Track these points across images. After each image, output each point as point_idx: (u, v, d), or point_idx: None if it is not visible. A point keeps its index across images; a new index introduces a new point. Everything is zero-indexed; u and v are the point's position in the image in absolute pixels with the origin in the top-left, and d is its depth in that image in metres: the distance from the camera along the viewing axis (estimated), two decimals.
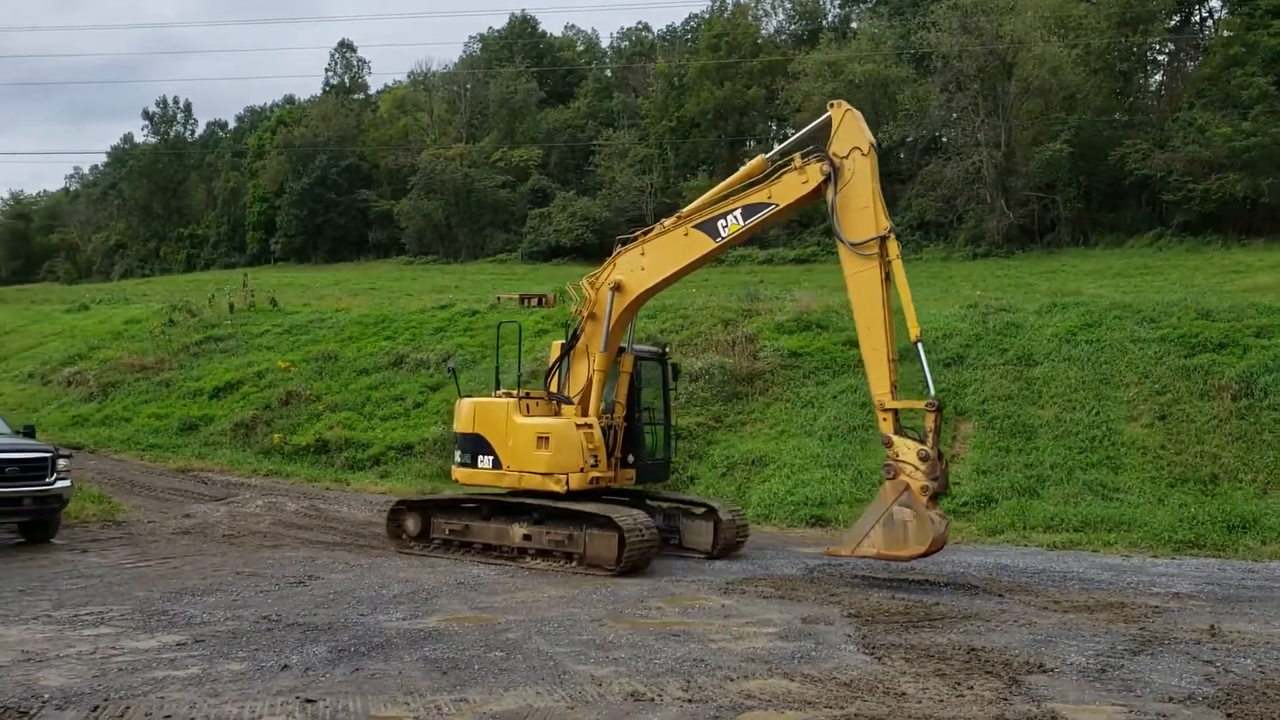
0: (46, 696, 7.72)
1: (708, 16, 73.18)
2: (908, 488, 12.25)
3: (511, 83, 75.07)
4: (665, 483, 16.93)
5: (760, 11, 71.97)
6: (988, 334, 23.46)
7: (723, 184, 14.62)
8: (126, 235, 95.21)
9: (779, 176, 13.57)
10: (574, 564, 13.65)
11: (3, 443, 15.27)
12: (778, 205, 13.61)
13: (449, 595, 11.91)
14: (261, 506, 19.20)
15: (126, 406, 28.91)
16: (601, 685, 8.20)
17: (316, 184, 76.45)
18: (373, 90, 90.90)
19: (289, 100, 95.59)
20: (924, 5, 55.38)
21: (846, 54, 56.07)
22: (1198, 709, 7.77)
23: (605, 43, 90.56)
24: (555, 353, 15.39)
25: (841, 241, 13.13)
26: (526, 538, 14.15)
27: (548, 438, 14.02)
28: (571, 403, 14.59)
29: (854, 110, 13.33)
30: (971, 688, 8.21)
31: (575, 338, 14.89)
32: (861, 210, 12.92)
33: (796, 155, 13.49)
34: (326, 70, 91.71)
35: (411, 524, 15.26)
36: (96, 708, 7.51)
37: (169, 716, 7.35)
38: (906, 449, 12.33)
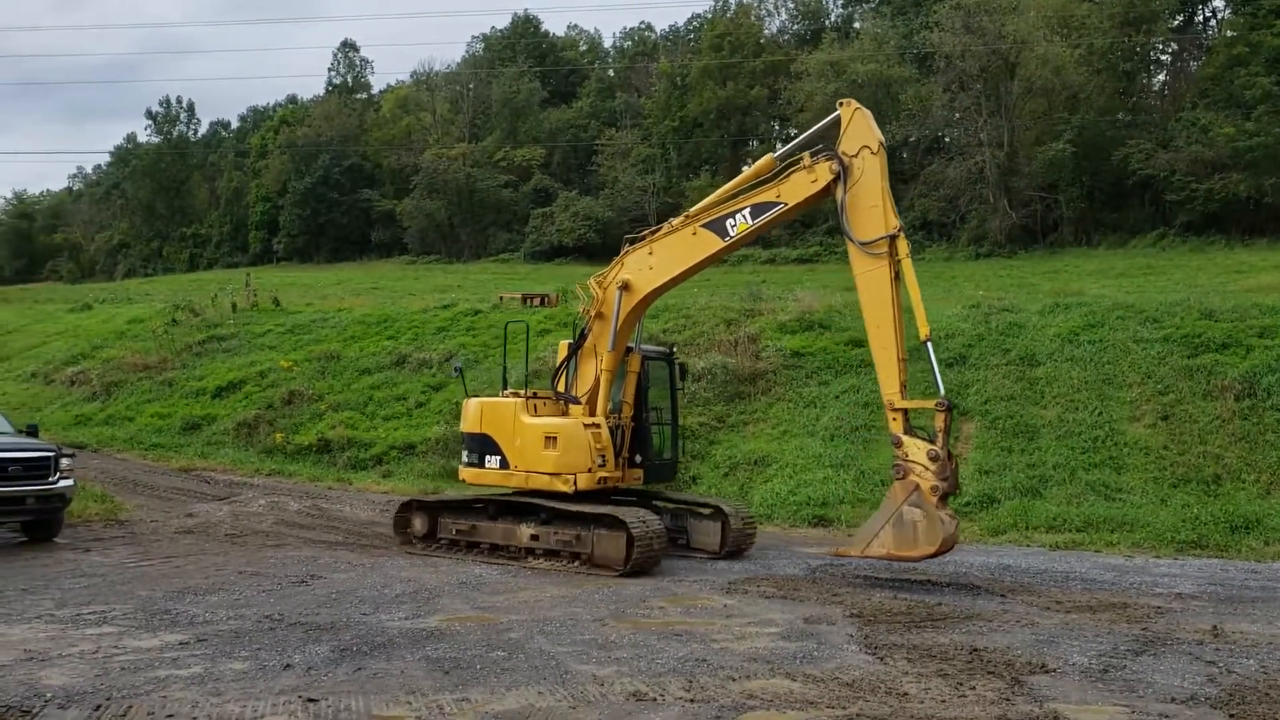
0: (49, 695, 7.73)
1: (710, 16, 73.14)
2: (917, 488, 12.18)
3: (514, 82, 75.10)
4: (671, 483, 16.89)
5: (763, 11, 71.99)
6: (990, 334, 23.45)
7: (731, 183, 14.58)
8: (129, 235, 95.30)
9: (788, 175, 13.52)
10: (581, 565, 13.60)
11: (6, 442, 15.29)
12: (787, 204, 13.57)
13: (451, 595, 11.91)
14: (264, 506, 19.21)
15: (129, 406, 28.95)
16: (603, 685, 8.20)
17: (319, 184, 76.51)
18: (375, 90, 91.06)
19: (292, 100, 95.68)
20: (927, 5, 55.33)
21: (849, 54, 56.02)
22: (1200, 709, 7.77)
23: (608, 42, 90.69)
24: (562, 352, 15.34)
25: (851, 240, 13.08)
26: (534, 538, 14.12)
27: (555, 438, 13.96)
28: (579, 402, 14.55)
29: (863, 109, 13.28)
30: (974, 688, 8.21)
31: (583, 337, 14.84)
32: (871, 209, 12.88)
33: (805, 154, 13.44)
34: (329, 70, 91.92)
35: (419, 524, 15.23)
36: (99, 707, 7.52)
37: (171, 716, 7.36)
38: (916, 449, 12.27)
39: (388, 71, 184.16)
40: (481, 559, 14.36)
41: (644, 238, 14.64)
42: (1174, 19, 54.11)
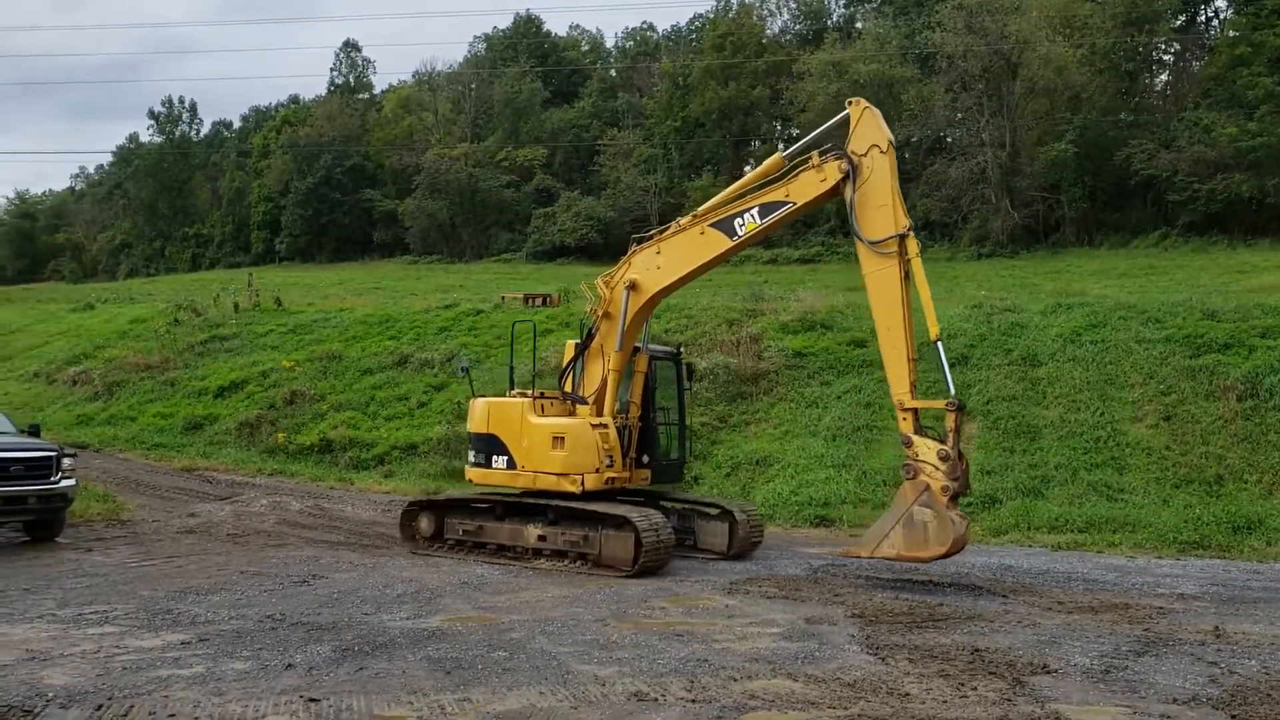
0: (51, 695, 7.74)
1: (712, 16, 73.13)
2: (928, 488, 12.12)
3: (516, 82, 75.13)
4: (678, 483, 16.84)
5: (765, 11, 72.00)
6: (992, 334, 23.44)
7: (739, 182, 14.54)
8: (132, 235, 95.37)
9: (796, 174, 13.47)
10: (589, 565, 13.55)
11: (8, 442, 15.30)
12: (795, 203, 13.51)
13: (453, 595, 11.91)
14: (266, 506, 19.23)
15: (131, 406, 28.98)
16: (605, 685, 8.20)
17: (321, 183, 76.55)
18: (377, 90, 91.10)
19: (294, 100, 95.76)
20: (929, 5, 55.31)
21: (851, 54, 56.02)
22: (1202, 710, 7.76)
23: (610, 42, 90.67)
24: (569, 352, 15.28)
25: (860, 240, 13.03)
26: (541, 538, 14.07)
27: (563, 438, 13.92)
28: (586, 402, 14.49)
29: (872, 108, 13.25)
30: (975, 688, 8.20)
31: (590, 337, 14.78)
32: (880, 208, 12.84)
33: (814, 153, 13.39)
34: (331, 70, 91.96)
35: (425, 524, 15.20)
36: (101, 706, 7.52)
37: (173, 715, 7.37)
38: (926, 449, 12.22)
39: (390, 71, 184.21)
40: (488, 559, 14.32)
41: (651, 237, 14.58)
42: (1176, 19, 54.09)
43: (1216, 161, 42.44)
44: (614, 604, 11.48)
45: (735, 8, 71.46)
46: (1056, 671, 8.76)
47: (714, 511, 15.19)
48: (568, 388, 14.93)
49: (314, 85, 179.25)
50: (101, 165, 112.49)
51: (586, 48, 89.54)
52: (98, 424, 28.10)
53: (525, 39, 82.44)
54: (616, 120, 73.63)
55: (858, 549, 12.86)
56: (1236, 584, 13.01)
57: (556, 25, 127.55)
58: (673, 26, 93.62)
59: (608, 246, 58.72)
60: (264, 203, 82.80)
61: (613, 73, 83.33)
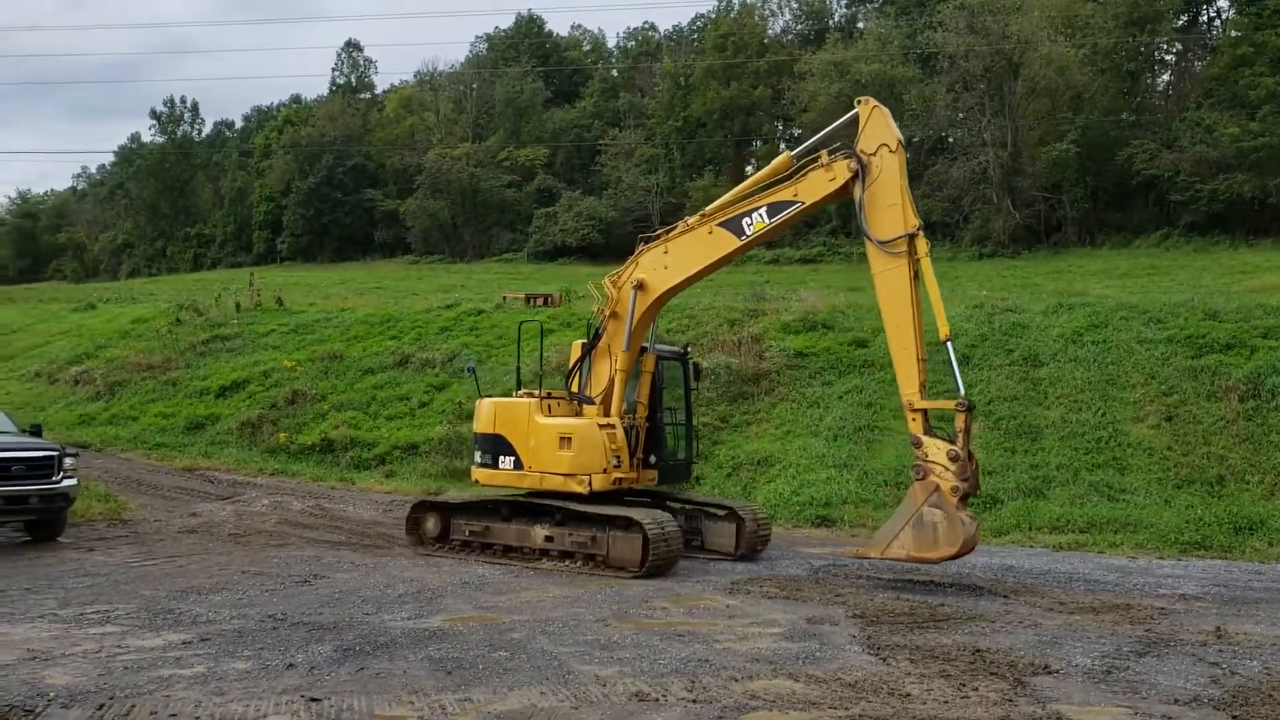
0: (52, 695, 7.74)
1: (714, 16, 73.15)
2: (938, 488, 12.08)
3: (518, 82, 75.14)
4: (685, 484, 16.79)
5: (766, 11, 72.01)
6: (994, 334, 23.43)
7: (747, 182, 14.48)
8: (133, 234, 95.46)
9: (805, 174, 13.42)
10: (597, 567, 13.50)
11: (9, 441, 15.31)
12: (804, 203, 13.47)
13: (454, 595, 11.92)
14: (267, 505, 19.24)
15: (133, 405, 29.00)
16: (606, 685, 8.20)
17: (323, 183, 76.60)
18: (379, 90, 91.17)
19: (295, 100, 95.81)
20: (930, 5, 55.29)
21: (853, 54, 56.00)
22: (1203, 711, 7.76)
23: (611, 42, 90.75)
24: (576, 352, 15.23)
25: (869, 239, 12.99)
26: (548, 539, 14.01)
27: (570, 438, 13.85)
28: (593, 403, 14.44)
29: (882, 107, 13.20)
30: (976, 689, 8.20)
31: (597, 337, 14.72)
32: (890, 208, 12.81)
33: (823, 152, 13.35)
34: (333, 70, 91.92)
35: (431, 525, 15.15)
36: (102, 706, 7.53)
37: (174, 715, 7.37)
38: (936, 449, 12.18)
39: (391, 71, 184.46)
40: (494, 560, 14.27)
41: (659, 237, 14.54)
42: (1178, 19, 54.04)
43: (1218, 162, 42.41)
44: (615, 604, 11.48)
45: (737, 8, 71.47)
46: (1058, 672, 8.76)
47: (721, 512, 15.13)
48: (574, 388, 14.89)
49: (316, 85, 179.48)
50: (103, 165, 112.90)
51: (588, 47, 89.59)
52: (99, 424, 28.12)
53: (527, 39, 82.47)
54: (618, 120, 73.65)
55: (867, 550, 12.80)
56: (1238, 585, 13.01)
57: (558, 25, 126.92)
58: (674, 26, 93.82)
59: (609, 246, 58.77)
60: (266, 202, 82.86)
61: (614, 73, 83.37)
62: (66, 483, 15.20)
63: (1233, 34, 49.26)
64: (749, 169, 63.63)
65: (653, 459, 14.88)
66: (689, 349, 16.79)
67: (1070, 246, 45.82)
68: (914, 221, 12.73)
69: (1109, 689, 8.30)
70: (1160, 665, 9.01)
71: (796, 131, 61.35)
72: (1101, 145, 47.01)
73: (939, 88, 51.08)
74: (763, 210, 13.61)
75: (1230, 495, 17.01)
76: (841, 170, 13.08)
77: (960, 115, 51.92)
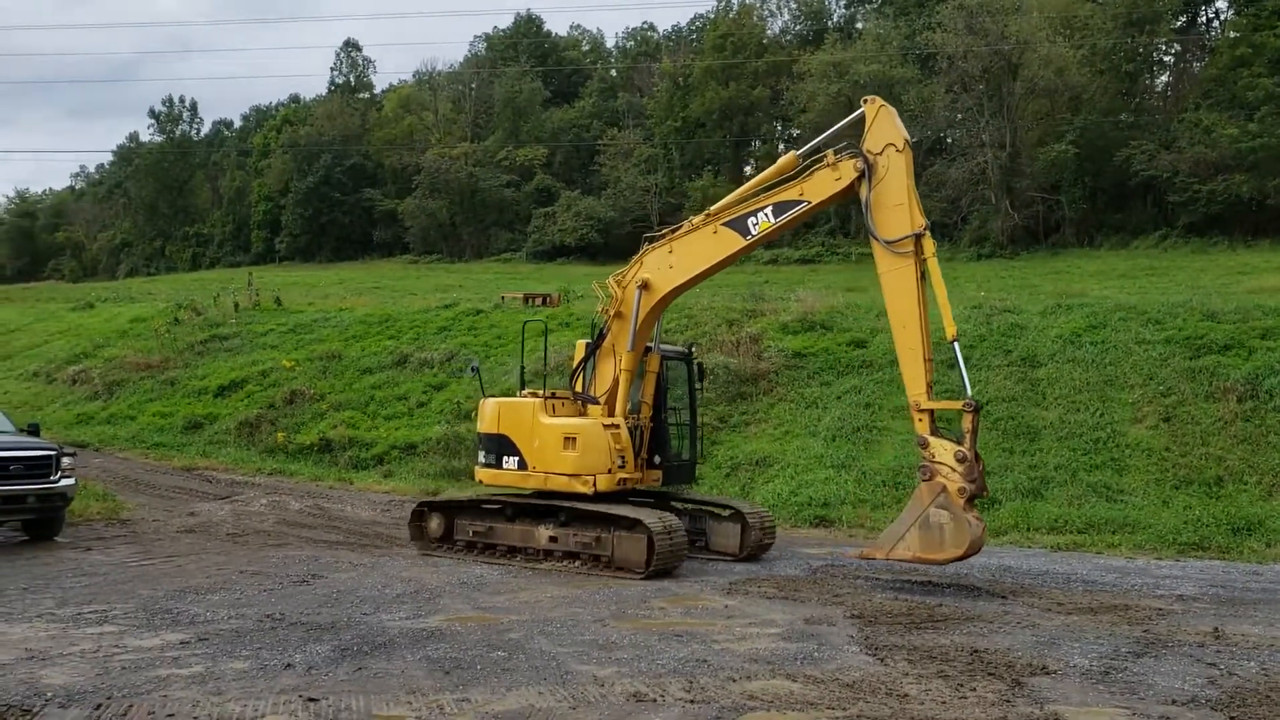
0: (50, 695, 7.74)
1: (713, 17, 73.21)
2: (944, 489, 12.03)
3: (516, 82, 75.17)
4: (690, 484, 16.75)
5: (765, 12, 72.06)
6: (992, 335, 23.42)
7: (752, 181, 14.42)
8: (132, 234, 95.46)
9: (811, 173, 13.36)
10: (601, 567, 13.44)
11: (7, 441, 15.30)
12: (810, 202, 13.41)
13: (452, 595, 11.91)
14: (265, 505, 19.22)
15: (131, 405, 28.98)
16: (604, 686, 8.20)
17: (321, 183, 76.63)
18: (378, 89, 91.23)
19: (294, 99, 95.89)
20: (929, 6, 55.35)
21: (852, 54, 56.08)
22: (1201, 712, 7.76)
23: (610, 42, 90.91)
24: (579, 351, 15.16)
25: (875, 239, 12.96)
26: (553, 540, 13.96)
27: (575, 438, 13.78)
28: (598, 402, 14.38)
29: (888, 106, 13.15)
30: (974, 689, 8.20)
31: (602, 337, 14.67)
32: (896, 207, 12.78)
33: (829, 151, 13.29)
34: (332, 69, 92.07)
35: (435, 525, 15.09)
36: (99, 706, 7.52)
37: (172, 715, 7.36)
38: (943, 450, 12.11)
39: (390, 71, 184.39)
40: (496, 561, 14.22)
41: (663, 236, 14.48)
42: (1177, 20, 54.11)
43: (1217, 162, 42.49)
44: (613, 604, 11.47)
45: (736, 8, 71.52)
46: (1055, 673, 8.76)
47: (725, 513, 15.08)
48: (578, 387, 14.84)
49: (314, 85, 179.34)
50: (102, 164, 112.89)
51: (587, 47, 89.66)
52: (97, 423, 28.10)
53: (526, 39, 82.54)
54: (617, 120, 73.70)
55: (873, 550, 12.73)
56: (1236, 585, 13.01)
57: (557, 25, 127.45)
58: (673, 27, 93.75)
59: (608, 246, 58.83)
60: (264, 202, 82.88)
61: (613, 73, 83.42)
62: (64, 482, 15.19)
63: (1231, 35, 49.35)
64: (748, 169, 63.73)
65: (657, 459, 14.80)
66: (693, 349, 16.75)
67: (1069, 247, 45.88)
68: (921, 221, 12.71)
69: (1107, 689, 8.30)
70: (1158, 666, 9.02)
71: (795, 132, 61.39)
72: (1100, 146, 47.08)
73: (938, 88, 51.13)
74: (768, 210, 13.56)
75: (1228, 496, 17.02)
76: (847, 170, 13.02)
77: (959, 116, 51.98)
